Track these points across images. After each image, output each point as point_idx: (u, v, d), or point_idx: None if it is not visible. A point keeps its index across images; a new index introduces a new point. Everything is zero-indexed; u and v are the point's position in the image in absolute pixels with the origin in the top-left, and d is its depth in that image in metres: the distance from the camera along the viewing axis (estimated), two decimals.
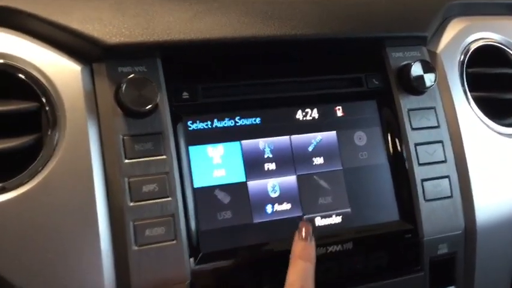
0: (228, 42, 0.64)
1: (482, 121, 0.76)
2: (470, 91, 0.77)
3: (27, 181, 0.57)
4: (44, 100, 0.58)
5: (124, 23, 0.61)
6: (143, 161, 0.60)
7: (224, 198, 0.64)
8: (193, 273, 0.60)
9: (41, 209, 0.56)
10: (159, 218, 0.59)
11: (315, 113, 0.70)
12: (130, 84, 0.59)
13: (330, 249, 0.66)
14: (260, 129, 0.67)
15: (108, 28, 0.60)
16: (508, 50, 0.82)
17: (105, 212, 0.58)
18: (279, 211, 0.66)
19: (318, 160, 0.68)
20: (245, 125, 0.66)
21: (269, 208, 0.65)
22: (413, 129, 0.72)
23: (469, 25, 0.81)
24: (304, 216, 0.66)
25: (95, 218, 0.57)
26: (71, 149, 0.58)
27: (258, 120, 0.67)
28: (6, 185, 0.56)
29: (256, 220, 0.64)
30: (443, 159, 0.72)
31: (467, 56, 0.79)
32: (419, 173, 0.71)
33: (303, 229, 0.59)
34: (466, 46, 0.79)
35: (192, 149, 0.63)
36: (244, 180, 0.65)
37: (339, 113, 0.71)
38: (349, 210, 0.68)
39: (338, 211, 0.68)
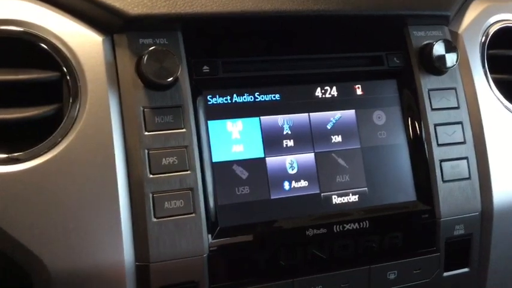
0: (249, 16, 0.64)
1: (502, 103, 0.75)
2: (490, 73, 0.76)
3: (46, 152, 0.57)
4: (65, 70, 0.58)
5: None
6: (163, 133, 0.60)
7: (242, 173, 0.64)
8: (210, 247, 0.60)
9: (60, 180, 0.56)
10: (178, 191, 0.59)
11: (334, 91, 0.69)
12: (152, 56, 0.58)
13: (347, 227, 0.66)
14: (279, 106, 0.66)
15: None
16: None
17: (124, 184, 0.58)
18: (297, 188, 0.65)
19: (337, 138, 0.68)
20: (264, 101, 0.66)
21: (287, 185, 0.65)
22: (433, 109, 0.71)
23: (490, 6, 0.80)
24: (321, 194, 0.66)
25: (115, 190, 0.57)
26: (92, 121, 0.58)
27: (277, 96, 0.67)
28: (21, 156, 0.56)
29: (274, 196, 0.64)
30: (463, 140, 0.72)
31: (489, 37, 0.77)
32: (437, 153, 0.70)
33: None
34: (488, 27, 0.78)
35: (212, 123, 0.63)
36: (262, 156, 0.65)
37: (359, 92, 0.70)
38: (366, 189, 0.68)
39: (355, 190, 0.68)
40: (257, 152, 0.65)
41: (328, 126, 0.68)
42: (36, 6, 0.60)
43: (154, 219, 0.58)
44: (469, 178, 0.71)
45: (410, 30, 0.73)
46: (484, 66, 0.76)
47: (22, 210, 0.55)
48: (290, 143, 0.66)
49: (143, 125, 0.59)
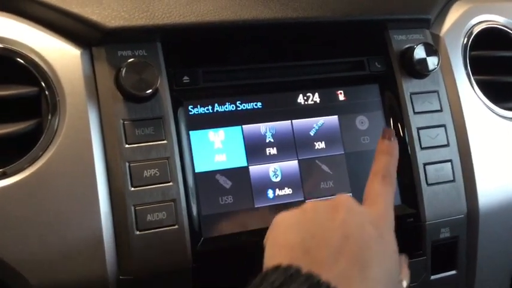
0: (228, 25, 0.64)
1: (485, 104, 0.75)
2: (473, 74, 0.76)
3: (28, 166, 0.57)
4: (43, 85, 0.58)
5: (123, 6, 0.60)
6: (144, 145, 0.59)
7: (225, 182, 0.63)
8: (195, 258, 0.60)
9: (42, 194, 0.56)
10: (160, 203, 0.59)
11: (316, 97, 0.69)
12: (131, 68, 0.58)
13: None
14: (261, 114, 0.66)
15: (107, 11, 0.59)
16: (511, 32, 0.81)
17: (106, 197, 0.58)
18: (281, 195, 0.65)
19: (320, 144, 0.68)
20: (246, 109, 0.66)
21: (270, 193, 0.65)
22: (415, 113, 0.71)
23: (472, 7, 0.80)
24: (306, 201, 0.66)
25: (96, 203, 0.57)
26: (71, 134, 0.58)
27: (259, 104, 0.66)
28: (7, 170, 0.56)
29: (258, 205, 0.64)
30: (446, 143, 0.72)
31: (471, 38, 0.78)
32: (421, 157, 0.70)
33: (386, 132, 0.58)
34: (470, 29, 0.78)
35: (193, 133, 0.63)
36: (245, 164, 0.65)
37: (341, 97, 0.70)
38: (350, 194, 0.68)
39: None
40: (240, 161, 0.65)
41: (311, 133, 0.68)
42: (13, 21, 0.60)
43: (137, 232, 0.58)
44: (453, 181, 0.71)
45: (391, 34, 0.73)
46: (466, 68, 0.76)
47: (4, 225, 0.55)
48: (273, 150, 0.66)
49: (123, 138, 0.59)
